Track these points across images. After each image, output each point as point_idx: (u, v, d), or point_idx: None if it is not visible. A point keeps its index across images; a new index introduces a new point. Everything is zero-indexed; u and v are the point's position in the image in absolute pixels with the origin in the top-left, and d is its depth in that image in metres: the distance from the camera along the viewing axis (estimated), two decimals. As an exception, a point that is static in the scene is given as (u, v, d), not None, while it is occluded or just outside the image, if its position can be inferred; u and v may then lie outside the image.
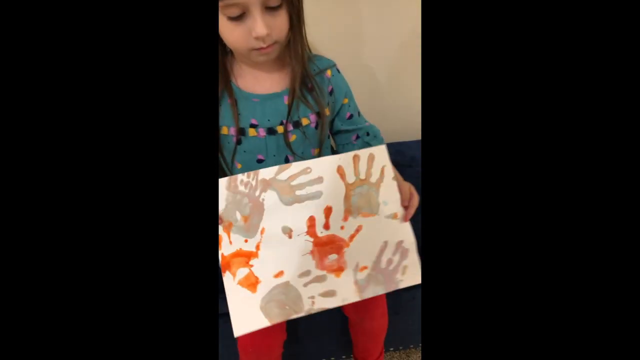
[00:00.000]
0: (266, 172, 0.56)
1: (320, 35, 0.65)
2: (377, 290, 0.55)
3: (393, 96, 1.08)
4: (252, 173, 0.56)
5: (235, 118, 0.58)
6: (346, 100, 0.66)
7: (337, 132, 0.68)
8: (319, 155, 0.63)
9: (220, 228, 0.55)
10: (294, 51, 0.56)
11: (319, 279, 0.55)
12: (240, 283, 0.54)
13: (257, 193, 0.56)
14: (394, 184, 0.57)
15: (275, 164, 0.57)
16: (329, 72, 0.63)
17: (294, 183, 0.56)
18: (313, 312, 0.54)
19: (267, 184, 0.56)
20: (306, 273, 0.55)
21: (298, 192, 0.56)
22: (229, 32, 0.50)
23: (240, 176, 0.56)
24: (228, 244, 0.55)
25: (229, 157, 0.61)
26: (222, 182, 0.56)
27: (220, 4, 0.47)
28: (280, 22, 0.50)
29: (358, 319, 0.69)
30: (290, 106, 0.59)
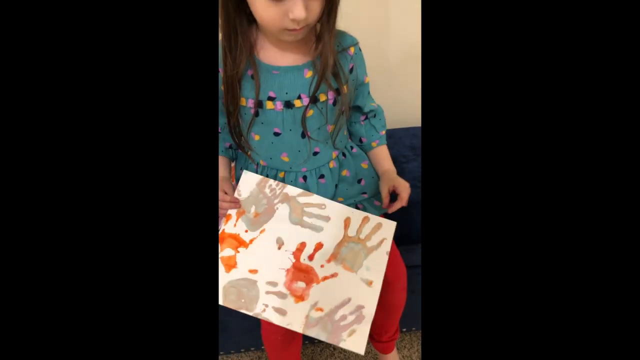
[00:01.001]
0: (291, 190, 0.64)
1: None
2: (320, 334, 0.57)
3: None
4: (280, 184, 0.64)
5: (256, 90, 0.59)
6: (367, 80, 0.67)
7: (353, 108, 0.69)
8: (336, 129, 0.64)
9: (234, 211, 0.62)
10: (322, 29, 0.55)
11: (280, 295, 0.59)
12: (221, 259, 0.61)
13: (275, 201, 0.63)
14: (385, 257, 0.60)
15: (292, 138, 0.61)
16: (351, 50, 0.62)
17: (306, 210, 0.63)
18: (258, 317, 0.58)
19: (286, 198, 0.63)
20: (273, 284, 0.59)
21: (305, 218, 0.62)
22: (264, 9, 0.50)
23: (270, 181, 0.64)
24: (232, 226, 0.62)
25: (246, 128, 0.62)
26: (255, 178, 0.64)
27: None
28: (317, 6, 0.51)
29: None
30: (318, 83, 0.58)
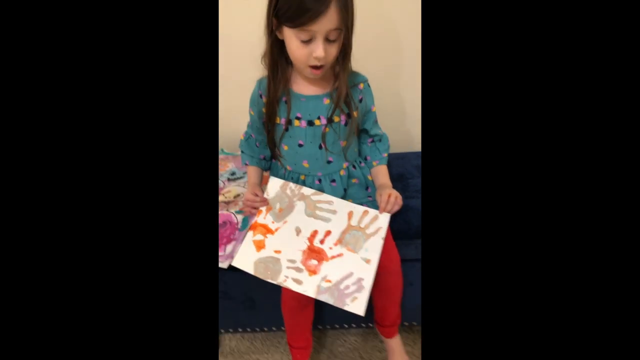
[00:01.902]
0: (306, 190, 0.82)
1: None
2: (328, 299, 0.73)
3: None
4: (298, 186, 0.83)
5: (287, 111, 0.79)
6: (374, 109, 0.87)
7: (361, 130, 0.88)
8: (347, 145, 0.83)
9: (264, 207, 0.83)
10: (341, 72, 0.75)
11: (297, 270, 0.76)
12: (254, 242, 0.79)
13: (295, 199, 0.82)
14: (381, 242, 0.76)
15: (311, 149, 0.82)
16: (361, 85, 0.82)
17: (318, 205, 0.81)
18: (281, 285, 0.75)
19: (303, 197, 0.82)
20: (292, 261, 0.76)
21: (317, 212, 0.81)
22: (297, 49, 0.69)
23: (290, 184, 0.83)
24: (262, 218, 0.82)
25: (278, 140, 0.83)
26: (279, 182, 0.84)
27: (296, 30, 0.66)
28: (333, 50, 0.69)
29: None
30: (334, 107, 0.78)
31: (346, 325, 0.99)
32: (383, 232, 0.77)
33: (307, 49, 0.68)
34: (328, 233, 0.78)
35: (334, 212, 0.80)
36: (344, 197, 0.85)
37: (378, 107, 0.89)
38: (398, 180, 1.02)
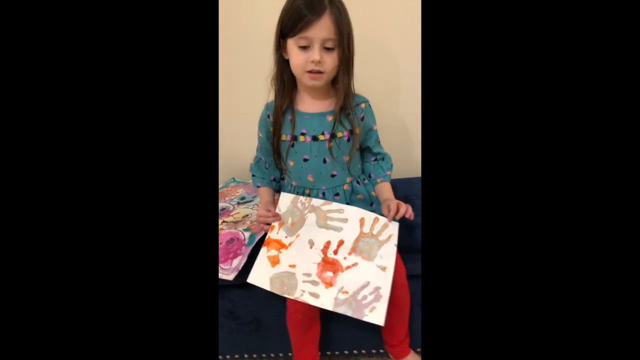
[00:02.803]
0: (316, 201, 0.83)
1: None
2: (347, 311, 0.71)
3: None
4: (308, 198, 0.84)
5: (292, 128, 0.84)
6: (375, 127, 0.91)
7: (365, 148, 0.92)
8: (350, 160, 0.86)
9: (277, 223, 0.83)
10: (341, 86, 0.80)
11: (313, 283, 0.75)
12: (268, 257, 0.79)
13: (306, 212, 0.83)
14: (394, 249, 0.76)
15: (316, 163, 0.84)
16: (362, 105, 0.86)
17: (328, 215, 0.82)
18: (298, 299, 0.74)
19: (313, 209, 0.83)
20: (308, 275, 0.76)
21: (329, 222, 0.81)
22: (297, 56, 0.75)
23: (301, 197, 0.84)
24: (275, 232, 0.82)
25: (284, 155, 0.86)
26: (290, 196, 0.85)
27: (296, 38, 0.73)
28: (330, 59, 0.75)
29: None
30: (335, 119, 0.83)
31: (355, 352, 0.95)
32: (395, 239, 0.77)
33: (305, 55, 0.75)
34: (341, 243, 0.78)
35: (345, 220, 0.80)
36: None
37: (387, 138, 0.94)
38: (404, 201, 1.03)
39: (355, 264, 0.75)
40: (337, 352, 0.95)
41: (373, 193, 0.91)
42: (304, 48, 0.75)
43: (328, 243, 0.78)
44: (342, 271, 0.75)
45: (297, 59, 0.76)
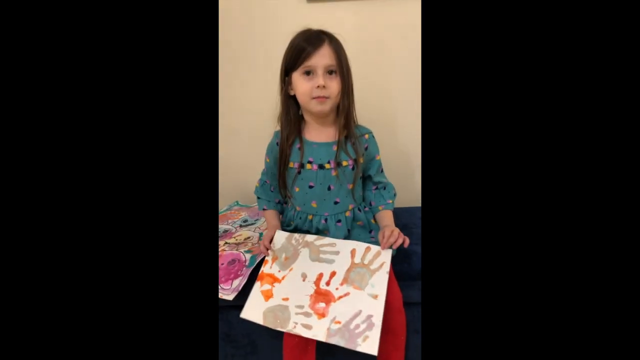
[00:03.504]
0: (309, 237, 0.85)
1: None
2: (339, 341, 0.71)
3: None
4: (302, 235, 0.86)
5: (300, 156, 0.88)
6: (378, 157, 0.95)
7: (366, 177, 0.95)
8: (354, 188, 0.89)
9: (270, 256, 0.85)
10: (342, 109, 0.85)
11: (306, 314, 0.76)
12: (262, 292, 0.80)
13: (299, 247, 0.85)
14: (386, 276, 0.78)
15: (321, 191, 0.88)
16: (366, 136, 0.91)
17: (321, 249, 0.84)
18: (290, 332, 0.74)
19: (307, 244, 0.85)
20: (300, 307, 0.77)
21: (321, 255, 0.83)
22: (302, 84, 0.80)
23: (295, 235, 0.87)
24: (269, 267, 0.84)
25: (290, 182, 0.90)
26: (284, 234, 0.87)
27: (300, 69, 0.79)
28: (334, 83, 0.81)
29: None
30: (337, 153, 0.87)
31: (351, 380, 0.94)
32: (387, 267, 0.79)
33: (310, 82, 0.80)
34: (333, 274, 0.80)
35: (337, 253, 0.83)
36: (347, 237, 0.88)
37: (387, 168, 0.98)
38: (403, 229, 1.04)
39: (347, 294, 0.77)
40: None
41: (373, 221, 0.94)
42: (309, 76, 0.80)
43: (320, 275, 0.80)
44: (335, 301, 0.76)
45: (303, 87, 0.81)
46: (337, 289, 0.78)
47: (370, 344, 0.70)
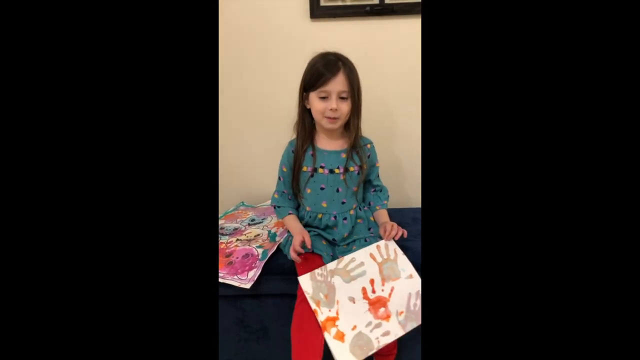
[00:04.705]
0: (331, 265, 0.91)
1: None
2: (413, 324, 0.83)
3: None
4: (322, 268, 0.90)
5: (313, 162, 1.01)
6: (378, 164, 1.09)
7: (367, 181, 1.09)
8: (357, 191, 1.03)
9: (314, 304, 0.86)
10: (352, 127, 0.99)
11: (377, 325, 0.84)
12: (334, 337, 0.83)
13: (329, 279, 0.90)
14: (406, 257, 0.91)
15: (331, 193, 1.00)
16: (368, 145, 1.06)
17: (347, 269, 0.91)
18: (379, 347, 0.81)
19: (333, 272, 0.91)
20: (369, 324, 0.84)
21: (352, 274, 0.91)
22: (318, 105, 0.93)
23: (317, 270, 0.90)
24: (321, 314, 0.85)
25: (303, 184, 1.02)
26: (307, 277, 0.89)
27: (317, 91, 0.91)
28: (344, 106, 0.93)
29: None
30: (348, 153, 1.00)
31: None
32: (399, 250, 0.93)
33: (324, 104, 0.93)
34: (372, 282, 0.90)
35: (362, 264, 0.92)
36: (351, 232, 1.01)
37: (382, 174, 1.11)
38: (397, 228, 1.17)
39: (392, 289, 0.89)
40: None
41: (371, 218, 1.06)
42: (324, 99, 0.93)
43: (364, 289, 0.89)
44: (389, 300, 0.87)
45: (318, 107, 0.94)
46: (382, 290, 0.89)
47: None
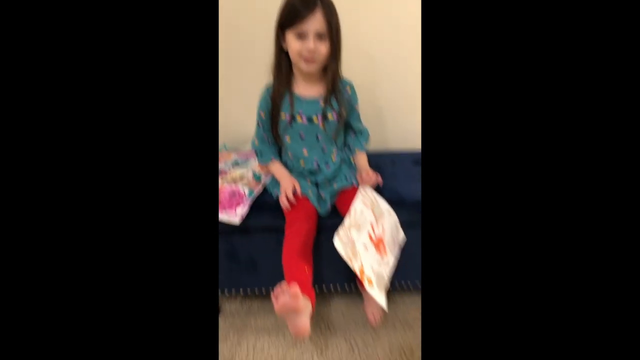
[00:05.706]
0: (347, 222, 0.92)
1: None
2: (397, 250, 0.98)
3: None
4: (341, 228, 0.89)
5: (290, 109, 1.00)
6: (357, 107, 1.10)
7: (347, 124, 1.11)
8: (336, 138, 1.06)
9: (349, 262, 0.87)
10: (330, 71, 0.97)
11: (382, 261, 0.94)
12: (368, 285, 0.87)
13: (349, 235, 0.91)
14: (381, 197, 1.01)
15: (310, 140, 1.04)
16: (348, 87, 1.05)
17: (356, 220, 0.94)
18: (390, 279, 0.94)
19: (349, 227, 0.92)
20: (379, 263, 0.93)
21: (360, 223, 0.94)
22: (294, 44, 0.90)
23: (340, 232, 0.88)
24: (358, 270, 0.87)
25: (283, 132, 1.04)
26: (338, 242, 0.87)
27: (293, 29, 0.88)
28: (323, 47, 0.91)
29: None
30: (325, 98, 1.00)
31: (332, 289, 1.16)
32: (376, 195, 1.02)
33: (301, 44, 0.91)
34: (372, 226, 0.96)
35: (362, 212, 0.96)
36: (336, 175, 1.07)
37: (364, 117, 1.13)
38: (375, 169, 1.24)
39: (383, 226, 0.98)
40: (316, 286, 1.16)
41: (352, 159, 1.12)
42: (301, 38, 0.90)
43: (369, 234, 0.94)
44: (384, 237, 0.96)
45: (295, 47, 0.92)
46: (379, 230, 0.96)
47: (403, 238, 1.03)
